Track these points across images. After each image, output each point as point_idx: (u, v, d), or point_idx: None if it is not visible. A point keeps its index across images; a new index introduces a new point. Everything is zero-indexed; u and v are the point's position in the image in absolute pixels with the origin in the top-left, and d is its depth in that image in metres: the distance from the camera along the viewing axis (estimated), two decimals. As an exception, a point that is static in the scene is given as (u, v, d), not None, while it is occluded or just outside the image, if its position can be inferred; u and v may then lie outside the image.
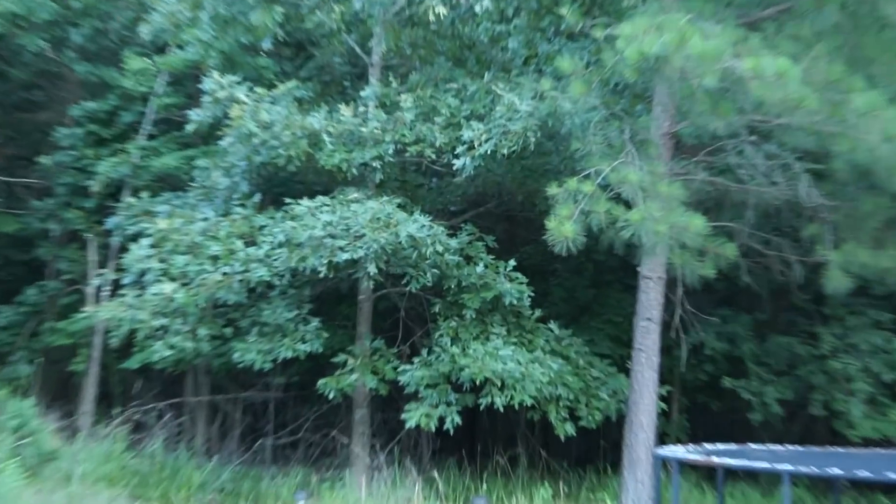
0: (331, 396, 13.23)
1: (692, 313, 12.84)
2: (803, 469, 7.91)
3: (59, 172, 16.74)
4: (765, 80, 9.52)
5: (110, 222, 15.40)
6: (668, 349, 15.57)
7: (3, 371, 16.05)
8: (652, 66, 10.38)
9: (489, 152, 12.54)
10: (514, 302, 13.20)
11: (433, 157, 13.34)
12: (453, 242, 12.99)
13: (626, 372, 13.14)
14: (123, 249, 14.22)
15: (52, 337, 16.30)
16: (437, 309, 13.65)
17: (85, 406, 16.09)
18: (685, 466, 9.82)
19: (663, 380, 14.02)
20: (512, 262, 13.42)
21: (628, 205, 10.82)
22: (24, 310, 16.81)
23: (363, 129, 13.45)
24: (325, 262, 12.22)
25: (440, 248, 12.56)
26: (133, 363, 15.10)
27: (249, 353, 13.02)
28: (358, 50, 14.87)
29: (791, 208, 12.58)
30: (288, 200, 13.29)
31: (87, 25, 16.99)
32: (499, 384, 12.50)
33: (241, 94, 13.40)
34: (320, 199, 13.03)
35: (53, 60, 17.30)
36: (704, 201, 12.62)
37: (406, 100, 13.51)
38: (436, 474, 14.11)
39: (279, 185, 15.16)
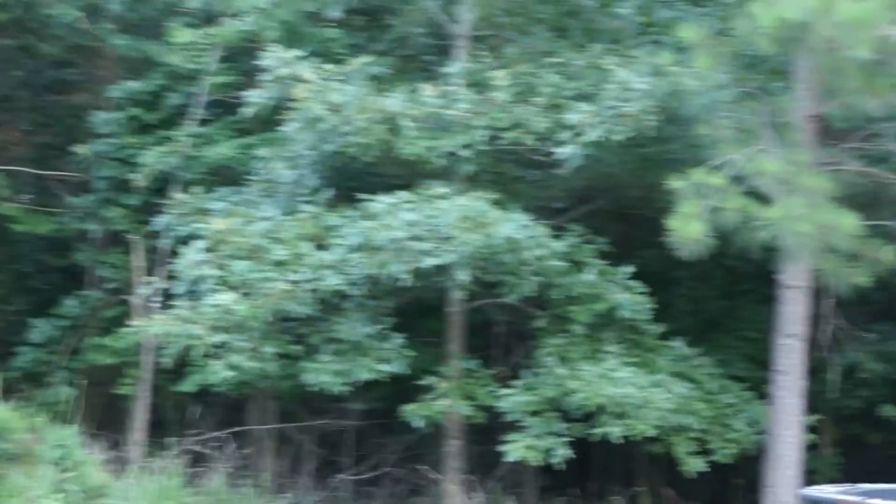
0: (418, 425, 13.44)
1: (844, 329, 12.85)
2: (978, 515, 8.00)
3: (97, 164, 17.16)
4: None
5: (158, 222, 15.64)
6: (815, 371, 15.53)
7: (42, 394, 16.41)
8: (793, 35, 10.47)
9: (599, 139, 12.64)
10: (632, 315, 13.34)
11: (532, 144, 13.38)
12: (558, 245, 13.12)
13: (765, 398, 13.26)
14: (174, 254, 14.54)
15: (95, 355, 16.70)
16: (540, 323, 13.80)
17: (135, 435, 16.43)
18: (837, 510, 9.86)
19: (810, 407, 14.03)
20: (629, 269, 13.56)
21: (766, 200, 10.92)
22: (62, 324, 17.17)
23: (449, 113, 13.56)
24: (409, 268, 12.39)
25: (543, 252, 12.69)
26: (189, 386, 15.34)
27: (323, 374, 13.23)
28: (443, 18, 14.93)
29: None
30: (363, 196, 13.46)
31: (126, -9, 17.28)
32: (615, 412, 12.64)
33: (306, 71, 13.58)
34: (401, 194, 13.17)
35: (88, 33, 17.70)
36: (857, 196, 12.58)
37: (500, 77, 13.57)
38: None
39: (352, 179, 15.22)
